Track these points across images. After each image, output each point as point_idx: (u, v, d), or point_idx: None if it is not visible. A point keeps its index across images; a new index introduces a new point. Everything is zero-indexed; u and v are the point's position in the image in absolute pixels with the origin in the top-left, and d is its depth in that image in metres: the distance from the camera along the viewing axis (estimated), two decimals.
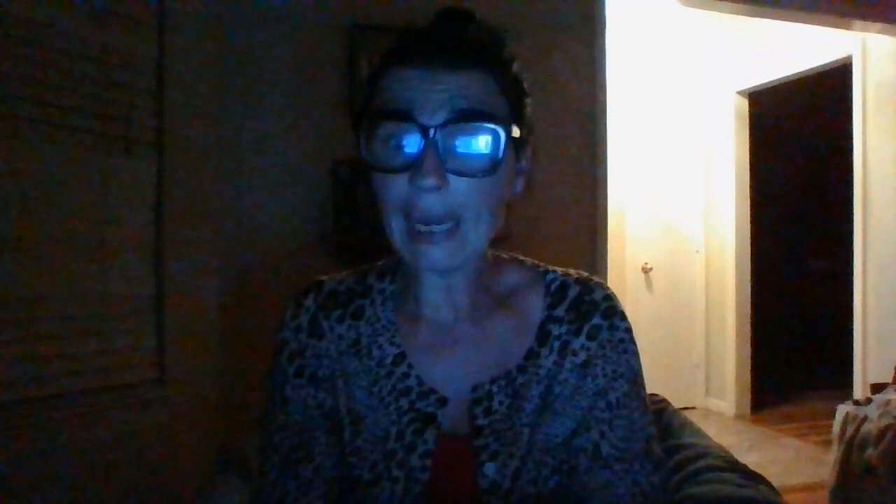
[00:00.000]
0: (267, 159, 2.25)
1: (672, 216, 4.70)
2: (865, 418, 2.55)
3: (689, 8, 3.46)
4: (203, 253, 1.73)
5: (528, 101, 0.71)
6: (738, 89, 4.47)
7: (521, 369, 0.71)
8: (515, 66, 0.69)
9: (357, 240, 2.24)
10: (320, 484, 0.69)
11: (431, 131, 0.61)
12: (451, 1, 0.76)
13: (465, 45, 0.65)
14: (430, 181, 0.61)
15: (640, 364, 0.73)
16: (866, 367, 3.76)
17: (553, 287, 0.75)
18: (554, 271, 0.77)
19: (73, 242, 1.48)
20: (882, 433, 2.43)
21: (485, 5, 2.54)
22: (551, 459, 0.69)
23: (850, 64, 3.82)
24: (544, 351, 0.72)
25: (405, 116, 0.62)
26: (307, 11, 2.30)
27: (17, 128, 1.38)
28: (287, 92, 2.27)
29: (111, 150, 1.55)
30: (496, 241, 0.78)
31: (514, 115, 0.67)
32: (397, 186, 0.64)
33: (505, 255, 0.79)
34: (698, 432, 0.96)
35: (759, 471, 0.86)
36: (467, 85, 0.63)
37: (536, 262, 0.80)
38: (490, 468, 0.67)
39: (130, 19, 1.58)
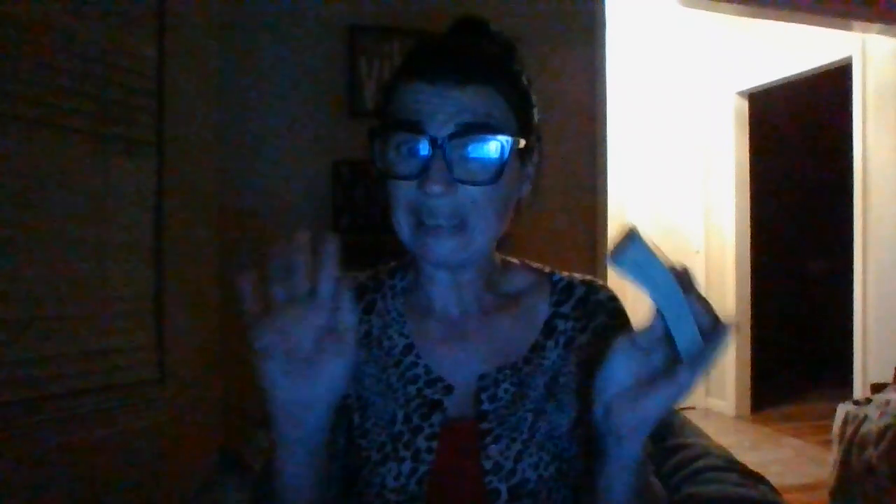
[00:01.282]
0: (267, 160, 2.24)
1: (672, 217, 4.69)
2: (865, 418, 2.55)
3: (689, 8, 3.46)
4: (203, 253, 1.74)
5: (535, 110, 0.75)
6: (738, 90, 4.47)
7: (527, 360, 0.75)
8: (524, 78, 0.73)
9: (357, 240, 2.24)
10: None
11: (439, 142, 0.66)
12: (455, 7, 0.77)
13: (476, 60, 0.69)
14: (436, 188, 0.66)
15: None
16: (866, 366, 3.76)
17: (559, 286, 0.79)
18: (560, 274, 0.81)
19: (73, 242, 1.48)
20: (882, 433, 2.43)
21: (486, 6, 2.54)
22: (553, 447, 0.71)
23: (850, 65, 3.83)
24: (549, 343, 0.75)
25: (416, 127, 0.67)
26: (307, 12, 2.30)
27: (18, 128, 1.38)
28: (287, 92, 2.27)
29: (111, 150, 1.55)
30: (500, 241, 0.79)
31: (521, 124, 0.71)
32: (407, 191, 0.69)
33: (514, 260, 0.83)
34: (698, 432, 0.96)
35: (759, 471, 0.86)
36: (473, 100, 0.67)
37: (543, 266, 0.83)
38: (493, 450, 0.69)
39: (130, 19, 1.58)
